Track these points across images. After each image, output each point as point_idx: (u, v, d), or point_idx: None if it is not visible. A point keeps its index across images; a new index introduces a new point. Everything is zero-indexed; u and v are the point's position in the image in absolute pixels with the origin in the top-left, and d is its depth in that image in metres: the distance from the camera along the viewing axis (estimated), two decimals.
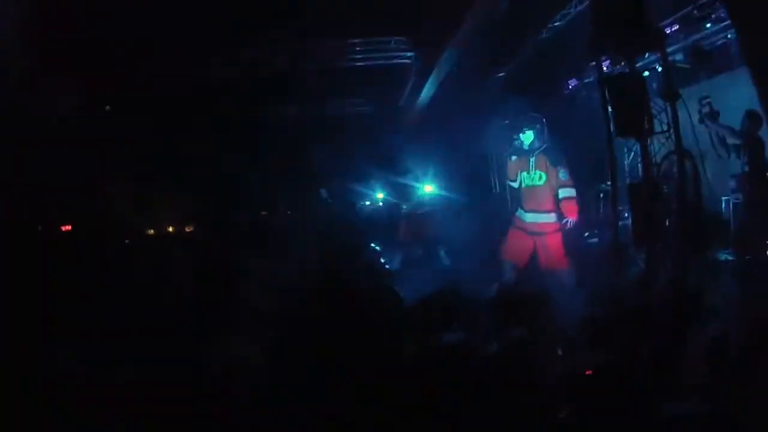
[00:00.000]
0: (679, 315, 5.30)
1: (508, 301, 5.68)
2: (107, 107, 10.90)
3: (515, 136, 8.20)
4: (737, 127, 7.29)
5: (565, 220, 7.76)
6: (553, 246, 7.83)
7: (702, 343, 4.70)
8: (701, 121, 7.12)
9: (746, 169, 7.27)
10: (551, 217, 7.88)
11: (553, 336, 5.09)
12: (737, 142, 7.26)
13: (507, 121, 12.25)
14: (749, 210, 7.33)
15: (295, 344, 4.76)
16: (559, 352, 5.04)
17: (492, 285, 7.44)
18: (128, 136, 10.61)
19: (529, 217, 8.01)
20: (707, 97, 7.19)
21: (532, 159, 8.08)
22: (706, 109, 7.18)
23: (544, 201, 7.92)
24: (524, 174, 8.17)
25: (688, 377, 4.44)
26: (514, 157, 8.29)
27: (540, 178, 8.00)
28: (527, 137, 8.08)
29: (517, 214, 8.20)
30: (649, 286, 5.69)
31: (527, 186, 8.15)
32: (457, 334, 4.74)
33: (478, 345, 4.88)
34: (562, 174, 7.84)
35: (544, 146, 8.00)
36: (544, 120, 8.11)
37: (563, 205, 7.81)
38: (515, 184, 8.37)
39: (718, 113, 7.22)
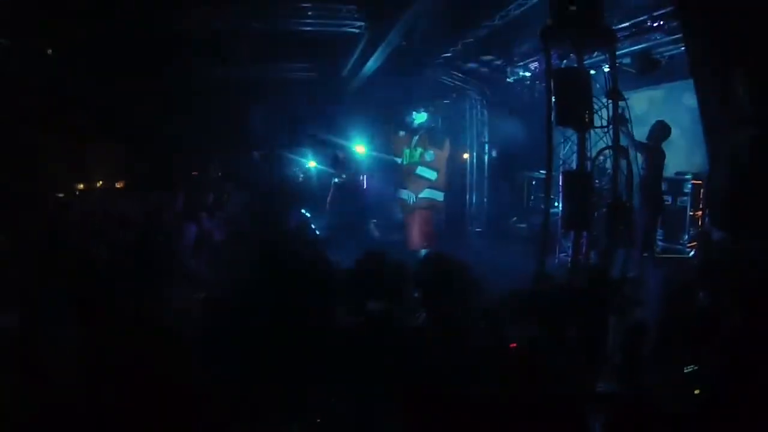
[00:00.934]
0: (601, 300, 5.58)
1: (431, 272, 5.83)
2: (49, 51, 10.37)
3: (411, 112, 8.64)
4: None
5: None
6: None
7: (622, 327, 4.99)
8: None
9: (644, 173, 7.69)
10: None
11: (476, 310, 5.27)
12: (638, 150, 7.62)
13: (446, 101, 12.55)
14: (641, 212, 7.72)
15: (226, 307, 4.75)
16: (483, 326, 5.23)
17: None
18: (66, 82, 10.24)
19: (406, 194, 8.63)
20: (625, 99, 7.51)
21: (416, 137, 8.56)
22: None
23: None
24: (406, 151, 8.66)
25: (608, 359, 4.73)
26: (401, 132, 8.73)
27: (420, 155, 8.53)
28: (420, 116, 8.62)
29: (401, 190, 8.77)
30: (574, 270, 5.96)
31: (408, 163, 8.64)
32: (381, 303, 4.83)
33: (404, 315, 5.01)
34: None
35: (431, 126, 8.59)
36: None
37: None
38: (399, 160, 8.86)
39: (628, 120, 7.47)
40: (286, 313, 4.35)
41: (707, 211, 8.36)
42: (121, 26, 9.51)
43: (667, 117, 8.05)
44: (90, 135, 11.49)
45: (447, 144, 8.63)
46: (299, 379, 3.81)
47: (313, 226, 10.14)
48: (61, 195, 10.42)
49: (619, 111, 7.25)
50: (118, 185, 12.83)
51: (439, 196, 8.69)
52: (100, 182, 12.90)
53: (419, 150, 8.54)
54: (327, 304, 4.92)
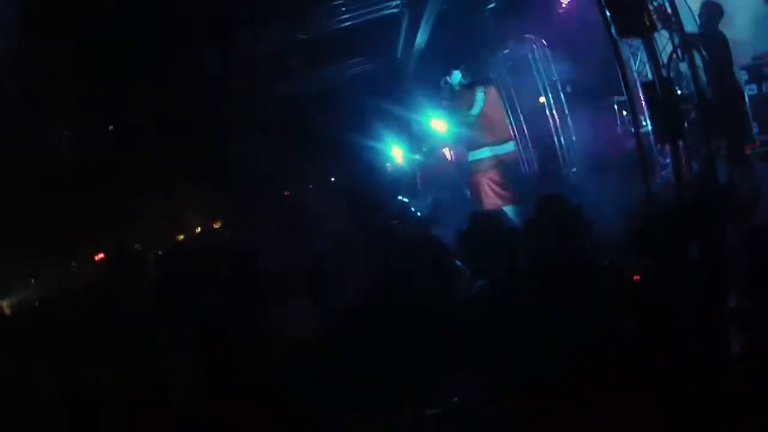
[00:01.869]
0: (712, 212, 5.21)
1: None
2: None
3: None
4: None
5: None
6: None
7: (742, 237, 4.62)
8: None
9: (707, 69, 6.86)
10: None
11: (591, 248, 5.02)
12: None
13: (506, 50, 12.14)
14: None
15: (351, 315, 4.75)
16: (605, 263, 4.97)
17: None
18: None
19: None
20: None
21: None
22: None
23: None
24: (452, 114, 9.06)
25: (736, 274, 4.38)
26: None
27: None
28: (455, 76, 8.76)
29: None
30: (679, 187, 5.59)
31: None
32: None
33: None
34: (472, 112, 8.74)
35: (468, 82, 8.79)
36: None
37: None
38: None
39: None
40: (411, 300, 4.33)
41: None
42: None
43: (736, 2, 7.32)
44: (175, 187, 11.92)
45: (479, 96, 8.58)
46: (433, 362, 3.77)
47: (414, 209, 10.14)
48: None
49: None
50: (215, 225, 13.27)
51: (503, 149, 8.71)
52: (198, 228, 13.39)
53: (462, 109, 8.61)
54: (449, 279, 4.84)
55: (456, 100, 8.73)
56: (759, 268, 4.11)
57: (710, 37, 6.90)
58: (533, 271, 4.38)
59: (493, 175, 8.65)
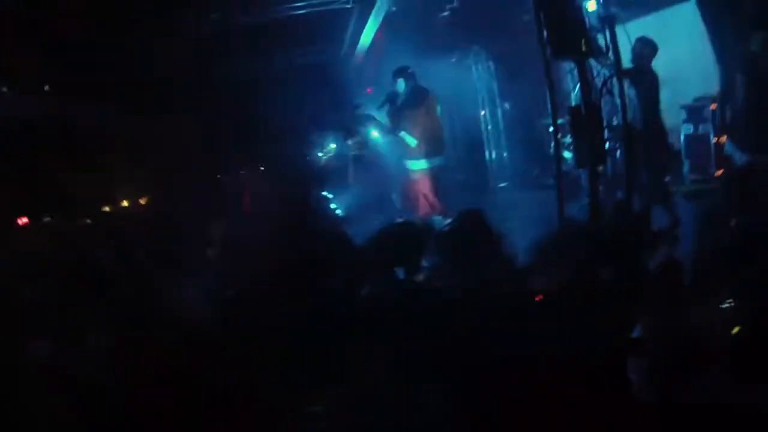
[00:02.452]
0: (626, 238, 5.33)
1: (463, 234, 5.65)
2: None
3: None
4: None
5: None
6: None
7: (653, 266, 4.74)
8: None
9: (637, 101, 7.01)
10: None
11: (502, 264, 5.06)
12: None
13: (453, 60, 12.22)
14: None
15: (247, 297, 4.71)
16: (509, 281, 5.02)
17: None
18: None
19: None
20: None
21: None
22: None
23: None
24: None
25: (641, 301, 4.48)
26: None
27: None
28: (399, 84, 9.02)
29: None
30: (594, 208, 5.70)
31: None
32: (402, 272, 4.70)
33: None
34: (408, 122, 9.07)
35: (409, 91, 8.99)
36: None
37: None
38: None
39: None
40: (308, 295, 4.29)
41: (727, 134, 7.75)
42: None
43: (678, 41, 7.56)
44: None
45: (424, 106, 8.78)
46: (327, 358, 3.73)
47: (333, 206, 10.08)
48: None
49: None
50: (142, 201, 12.85)
51: (437, 161, 8.95)
52: (125, 201, 12.94)
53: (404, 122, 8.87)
54: (348, 282, 4.82)
55: (399, 113, 8.97)
56: (664, 298, 4.22)
57: (641, 73, 6.98)
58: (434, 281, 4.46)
59: (426, 184, 8.85)
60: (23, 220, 9.03)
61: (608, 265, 5.05)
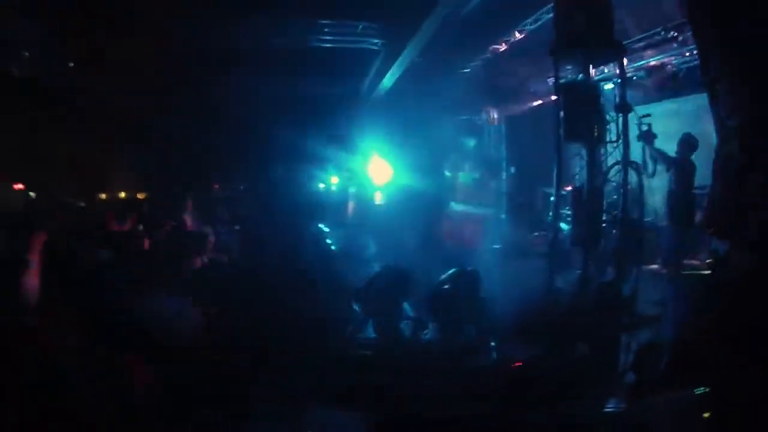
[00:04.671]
0: (611, 317, 5.48)
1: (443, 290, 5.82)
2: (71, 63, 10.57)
3: None
4: (672, 149, 7.50)
5: None
6: None
7: (635, 346, 4.90)
8: (638, 138, 7.30)
9: (673, 188, 7.49)
10: None
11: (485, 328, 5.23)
12: (666, 165, 7.46)
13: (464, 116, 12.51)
14: (669, 228, 7.60)
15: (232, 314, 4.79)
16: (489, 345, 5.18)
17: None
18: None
19: None
20: (648, 115, 7.27)
21: None
22: (644, 128, 7.31)
23: None
24: None
25: (618, 378, 4.64)
26: None
27: None
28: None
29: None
30: (582, 286, 5.87)
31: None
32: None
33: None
34: None
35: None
36: None
37: None
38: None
39: (655, 136, 7.34)
40: (291, 325, 4.39)
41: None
42: (146, 40, 9.64)
43: (696, 130, 7.87)
44: (112, 145, 11.62)
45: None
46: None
47: (328, 241, 10.12)
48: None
49: (645, 127, 7.25)
50: (139, 196, 12.92)
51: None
52: (123, 193, 13.03)
53: None
54: (334, 319, 4.95)
55: None
56: (639, 379, 4.38)
57: (681, 162, 7.41)
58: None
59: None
60: None
61: (589, 341, 5.23)
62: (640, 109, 7.06)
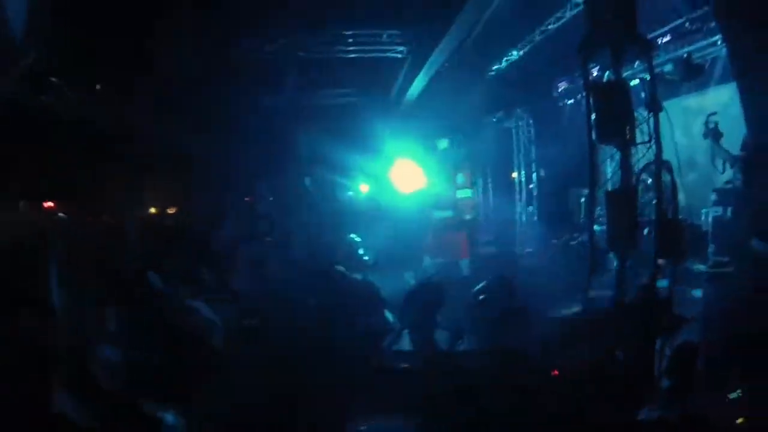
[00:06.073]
0: (649, 321, 5.36)
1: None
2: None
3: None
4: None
5: None
6: None
7: (672, 349, 4.78)
8: (705, 136, 7.23)
9: (737, 183, 7.29)
10: None
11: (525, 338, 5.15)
12: (732, 162, 7.28)
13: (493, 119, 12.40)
14: (736, 222, 7.42)
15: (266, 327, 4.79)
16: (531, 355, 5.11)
17: None
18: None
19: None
20: (714, 113, 7.21)
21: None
22: (711, 126, 7.23)
23: None
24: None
25: (656, 383, 4.53)
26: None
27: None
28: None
29: None
30: (620, 291, 5.74)
31: None
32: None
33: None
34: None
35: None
36: None
37: None
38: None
39: (721, 134, 7.23)
40: (330, 343, 4.39)
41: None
42: (171, 59, 9.76)
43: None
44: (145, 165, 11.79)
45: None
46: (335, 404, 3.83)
47: (361, 251, 10.09)
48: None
49: (711, 125, 7.15)
50: (169, 211, 13.10)
51: (465, 215, 10.55)
52: (154, 209, 13.21)
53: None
54: (371, 330, 4.92)
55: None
56: (677, 383, 4.28)
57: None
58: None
59: (453, 233, 9.76)
60: None
61: (627, 347, 5.13)
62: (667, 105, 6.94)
